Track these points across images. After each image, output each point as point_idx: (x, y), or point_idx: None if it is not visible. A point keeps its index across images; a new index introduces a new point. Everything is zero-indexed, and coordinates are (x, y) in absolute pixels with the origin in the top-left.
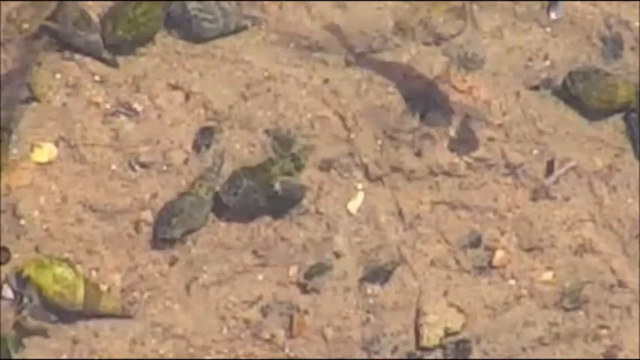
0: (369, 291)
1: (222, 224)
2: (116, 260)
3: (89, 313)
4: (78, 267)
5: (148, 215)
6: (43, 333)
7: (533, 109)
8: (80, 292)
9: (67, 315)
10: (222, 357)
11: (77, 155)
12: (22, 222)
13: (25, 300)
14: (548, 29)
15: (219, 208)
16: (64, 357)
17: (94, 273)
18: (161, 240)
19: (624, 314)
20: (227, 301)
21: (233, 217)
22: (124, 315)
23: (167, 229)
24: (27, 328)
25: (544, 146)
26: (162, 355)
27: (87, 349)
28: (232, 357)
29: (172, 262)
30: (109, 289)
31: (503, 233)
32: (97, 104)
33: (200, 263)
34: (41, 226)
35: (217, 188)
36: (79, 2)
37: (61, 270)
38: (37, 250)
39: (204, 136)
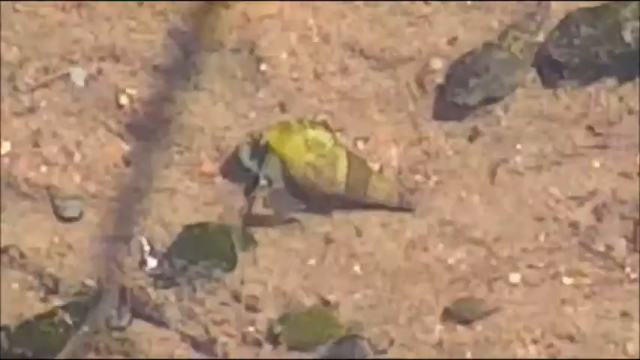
0: None
1: (546, 88)
2: (393, 128)
3: (352, 199)
4: (339, 135)
5: (439, 67)
6: (284, 224)
7: None
8: (342, 166)
9: (321, 201)
10: (533, 273)
11: None
12: (263, 67)
13: (262, 181)
14: None
15: (545, 65)
16: (312, 262)
17: (360, 144)
18: (452, 105)
19: None
20: (547, 194)
21: (563, 77)
22: (402, 207)
23: (462, 92)
24: (263, 219)
25: None
26: (452, 266)
27: (345, 251)
28: (551, 273)
29: (473, 137)
30: (380, 169)
31: None
32: None
33: (512, 140)
34: (290, 75)
35: (540, 39)
36: None
37: (315, 134)
38: (282, 108)
39: None
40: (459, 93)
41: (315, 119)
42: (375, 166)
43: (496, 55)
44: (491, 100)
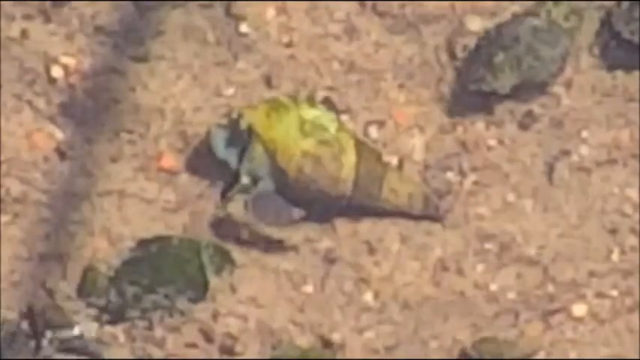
0: None
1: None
2: (417, 110)
3: (362, 203)
4: (345, 118)
5: (476, 28)
6: (272, 240)
7: None
8: (349, 159)
9: (320, 205)
10: (604, 304)
11: None
12: (244, 28)
13: (244, 179)
14: None
15: (611, 45)
16: (308, 288)
17: (373, 131)
18: (475, 91)
19: None
20: (622, 198)
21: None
22: (428, 214)
23: (487, 75)
24: (244, 231)
25: None
26: (496, 294)
27: (353, 274)
28: (628, 303)
29: (524, 121)
30: (400, 163)
31: None
32: None
33: (576, 125)
34: (278, 38)
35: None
36: None
37: (314, 114)
38: (268, 82)
39: None
40: (484, 77)
41: (312, 97)
42: (393, 160)
43: (527, 22)
44: (530, 84)
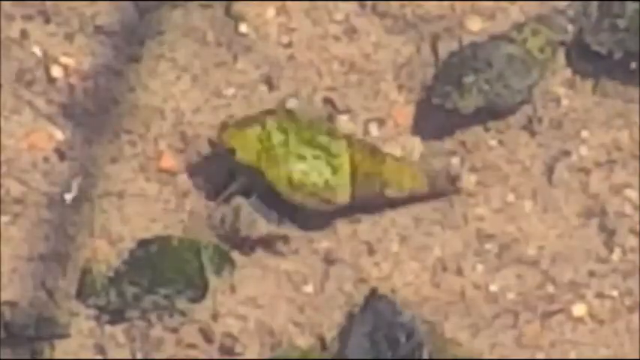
0: None
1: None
2: (416, 110)
3: (361, 203)
4: (345, 118)
5: (477, 28)
6: (271, 244)
7: None
8: (344, 189)
9: (321, 208)
10: (604, 304)
11: None
12: (243, 28)
13: (233, 185)
14: None
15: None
16: (308, 289)
17: (373, 131)
18: (437, 106)
19: None
20: (622, 198)
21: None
22: (438, 192)
23: (454, 92)
24: (244, 231)
25: None
26: (496, 295)
27: (352, 275)
28: (628, 304)
29: (524, 122)
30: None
31: None
32: None
33: (575, 126)
34: (278, 39)
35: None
36: None
37: (303, 169)
38: (269, 83)
39: None
40: (449, 93)
41: (312, 96)
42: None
43: (504, 49)
44: (492, 111)
